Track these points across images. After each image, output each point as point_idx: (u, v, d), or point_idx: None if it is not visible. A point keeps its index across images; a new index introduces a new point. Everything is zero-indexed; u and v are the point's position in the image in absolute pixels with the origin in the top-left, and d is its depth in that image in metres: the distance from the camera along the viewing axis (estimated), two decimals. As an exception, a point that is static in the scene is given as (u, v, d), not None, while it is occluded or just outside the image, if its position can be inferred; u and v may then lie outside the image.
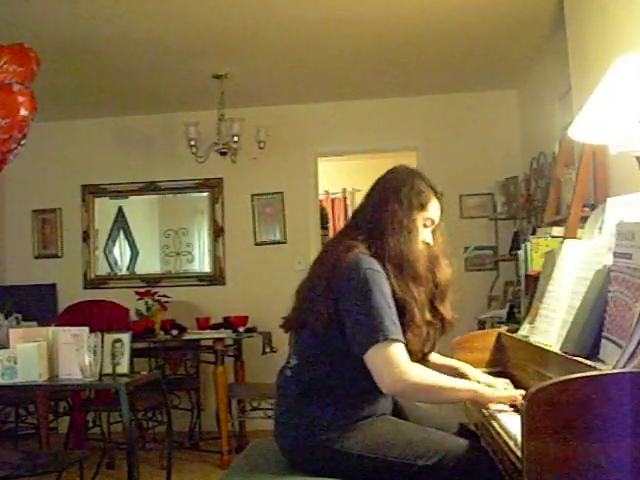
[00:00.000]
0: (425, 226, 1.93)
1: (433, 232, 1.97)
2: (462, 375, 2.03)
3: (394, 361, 1.68)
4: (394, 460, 1.71)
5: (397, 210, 1.87)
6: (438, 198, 1.96)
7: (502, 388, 1.92)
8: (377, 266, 1.78)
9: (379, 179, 1.99)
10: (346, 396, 1.79)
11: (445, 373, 1.89)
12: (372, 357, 1.70)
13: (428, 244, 1.93)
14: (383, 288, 1.75)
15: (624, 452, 1.19)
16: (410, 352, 1.76)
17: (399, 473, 1.72)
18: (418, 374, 1.71)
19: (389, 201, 1.89)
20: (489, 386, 1.92)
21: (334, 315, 1.77)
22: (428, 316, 1.84)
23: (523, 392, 1.71)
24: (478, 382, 1.95)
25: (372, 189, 1.98)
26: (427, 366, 1.93)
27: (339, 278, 1.77)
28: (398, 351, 1.70)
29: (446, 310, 1.93)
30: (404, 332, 1.75)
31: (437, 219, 1.96)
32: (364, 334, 1.71)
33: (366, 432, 1.76)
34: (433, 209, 1.94)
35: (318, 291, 1.82)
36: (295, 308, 1.91)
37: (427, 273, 1.88)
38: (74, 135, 5.66)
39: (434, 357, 2.12)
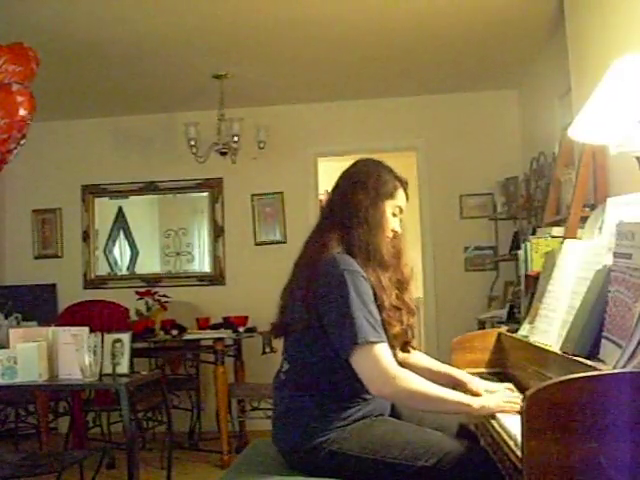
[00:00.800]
0: (394, 215, 1.95)
1: (400, 221, 1.98)
2: (460, 383, 2.01)
3: (379, 364, 1.69)
4: (393, 461, 1.71)
5: (363, 201, 1.89)
6: (404, 187, 1.98)
7: (502, 393, 1.90)
8: (354, 265, 1.79)
9: (344, 173, 2.00)
10: (341, 397, 1.79)
11: (441, 382, 1.88)
12: (357, 361, 1.70)
13: (397, 233, 1.95)
14: (361, 288, 1.75)
15: (624, 452, 1.19)
16: (394, 337, 1.77)
17: (398, 474, 1.71)
18: (407, 379, 1.71)
19: (356, 193, 1.91)
20: (489, 392, 1.91)
21: (315, 318, 1.77)
22: (395, 300, 1.84)
23: (518, 400, 1.69)
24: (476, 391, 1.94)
25: (338, 184, 1.99)
26: (416, 367, 1.95)
27: (316, 281, 1.78)
28: (382, 352, 1.70)
29: (409, 299, 1.94)
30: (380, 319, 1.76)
31: (404, 208, 1.99)
32: (344, 337, 1.71)
33: (364, 433, 1.76)
34: (400, 197, 1.96)
35: (298, 295, 1.83)
36: (280, 312, 1.92)
37: (392, 260, 1.90)
38: (74, 135, 5.66)
39: (431, 364, 2.12)
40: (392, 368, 1.70)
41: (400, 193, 1.96)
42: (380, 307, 1.79)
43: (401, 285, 1.92)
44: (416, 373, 1.87)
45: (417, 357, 2.10)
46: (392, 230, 1.94)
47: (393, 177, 1.96)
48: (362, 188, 1.91)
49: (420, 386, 1.72)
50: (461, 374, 2.08)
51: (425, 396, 1.72)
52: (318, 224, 2.00)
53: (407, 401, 1.79)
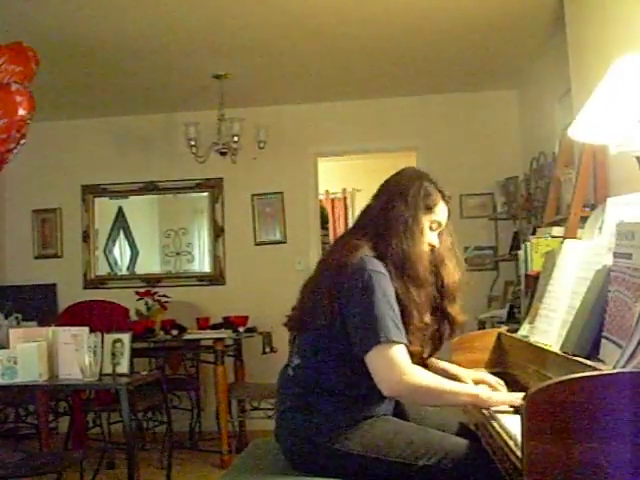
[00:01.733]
0: (431, 229, 1.94)
1: (440, 234, 1.97)
2: (455, 379, 2.02)
3: (395, 363, 1.69)
4: (394, 460, 1.71)
5: (403, 211, 1.88)
6: (446, 201, 1.97)
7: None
8: (381, 268, 1.79)
9: (387, 180, 2.00)
10: (348, 396, 1.79)
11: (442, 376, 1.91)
12: (373, 358, 1.70)
13: (434, 247, 1.94)
14: (387, 290, 1.76)
15: (624, 452, 1.19)
16: (411, 354, 1.76)
17: (399, 473, 1.72)
18: (419, 376, 1.72)
19: (396, 202, 1.90)
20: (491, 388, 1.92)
21: (337, 315, 1.77)
22: (427, 319, 1.84)
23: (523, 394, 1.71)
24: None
25: (380, 190, 1.99)
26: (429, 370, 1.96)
27: (343, 279, 1.78)
28: (399, 353, 1.70)
29: (455, 311, 1.96)
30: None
31: (444, 222, 1.97)
32: (366, 335, 1.71)
33: (367, 432, 1.76)
34: (440, 212, 1.95)
35: (322, 291, 1.82)
36: (299, 306, 1.92)
37: (430, 276, 1.89)
38: (74, 135, 5.66)
39: (445, 365, 2.12)
40: (404, 367, 1.70)
41: (440, 207, 1.95)
42: (407, 323, 1.78)
43: (446, 295, 1.94)
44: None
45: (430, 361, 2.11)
46: (429, 244, 1.93)
47: (435, 190, 1.95)
48: (402, 197, 1.90)
49: (432, 383, 1.73)
50: (452, 368, 2.10)
51: (438, 391, 1.73)
52: (353, 226, 2.01)
53: (418, 397, 1.79)
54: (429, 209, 1.91)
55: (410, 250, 1.84)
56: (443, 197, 1.96)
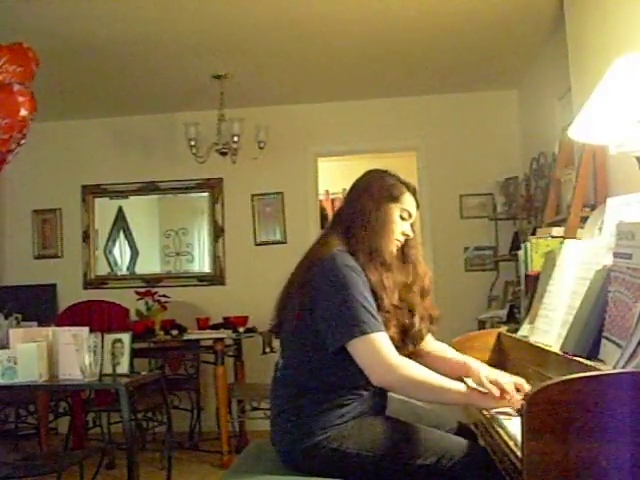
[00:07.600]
0: (403, 218, 1.97)
1: (411, 226, 2.00)
2: (468, 370, 1.96)
3: (381, 352, 1.70)
4: (392, 459, 1.71)
5: (367, 203, 1.93)
6: (412, 193, 2.00)
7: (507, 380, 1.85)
8: (352, 262, 1.82)
9: (353, 184, 2.05)
10: (337, 394, 1.79)
11: (453, 368, 1.94)
12: (357, 349, 1.71)
13: (408, 236, 1.97)
14: (360, 284, 1.77)
15: (624, 452, 1.19)
16: (389, 338, 1.77)
17: (397, 472, 1.71)
18: (409, 368, 1.71)
19: (361, 198, 1.96)
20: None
21: (306, 310, 1.79)
22: (395, 301, 1.85)
23: (515, 396, 1.68)
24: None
25: (348, 192, 2.05)
26: (425, 360, 1.96)
27: (315, 274, 1.80)
28: (383, 341, 1.72)
29: (429, 307, 1.98)
30: None
31: (414, 213, 2.00)
32: (343, 327, 1.72)
33: (364, 431, 1.76)
34: (407, 201, 1.98)
35: (294, 288, 1.86)
36: (277, 311, 1.95)
37: (397, 261, 1.92)
38: (74, 135, 5.66)
39: (446, 353, 2.09)
40: (393, 357, 1.71)
41: (407, 197, 1.98)
42: (379, 307, 1.80)
43: (424, 291, 1.96)
44: (430, 361, 1.96)
45: (432, 345, 2.09)
46: (402, 233, 1.96)
47: (398, 182, 1.99)
48: (366, 193, 1.96)
49: (421, 375, 1.72)
50: (476, 364, 1.99)
51: (426, 385, 1.72)
52: (326, 228, 2.05)
53: (409, 390, 1.78)
54: (395, 199, 1.95)
55: (376, 237, 1.89)
56: (409, 189, 2.00)
